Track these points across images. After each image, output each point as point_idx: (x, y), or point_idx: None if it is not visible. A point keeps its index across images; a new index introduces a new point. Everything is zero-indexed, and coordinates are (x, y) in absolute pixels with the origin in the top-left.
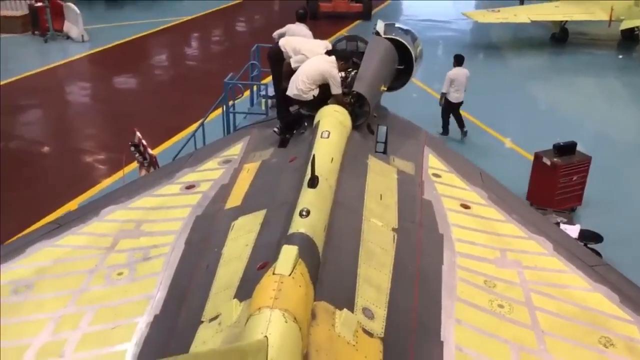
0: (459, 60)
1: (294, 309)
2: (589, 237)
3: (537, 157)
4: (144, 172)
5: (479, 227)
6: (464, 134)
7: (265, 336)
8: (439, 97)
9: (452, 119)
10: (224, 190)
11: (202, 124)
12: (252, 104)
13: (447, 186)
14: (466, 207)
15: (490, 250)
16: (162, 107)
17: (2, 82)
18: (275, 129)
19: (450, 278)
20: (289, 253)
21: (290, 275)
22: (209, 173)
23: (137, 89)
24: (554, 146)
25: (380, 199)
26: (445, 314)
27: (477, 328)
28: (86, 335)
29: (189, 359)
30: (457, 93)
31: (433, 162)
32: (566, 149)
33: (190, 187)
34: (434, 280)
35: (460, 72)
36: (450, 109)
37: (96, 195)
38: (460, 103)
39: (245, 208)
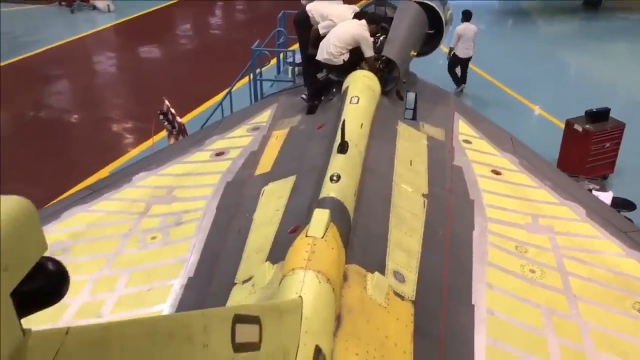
0: (467, 16)
1: (327, 270)
2: (621, 204)
3: (569, 124)
4: (172, 141)
5: (510, 193)
6: (461, 90)
7: (300, 296)
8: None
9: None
10: (254, 157)
11: (229, 92)
12: (278, 71)
13: (477, 152)
14: (497, 173)
15: (521, 216)
16: (188, 76)
17: (31, 53)
18: (303, 96)
19: (481, 243)
20: (321, 216)
21: (322, 237)
22: (238, 140)
23: (163, 59)
24: (586, 113)
25: (410, 164)
26: (476, 279)
27: (508, 292)
28: (122, 296)
29: (228, 311)
30: (466, 49)
31: (463, 128)
32: (599, 116)
33: (219, 154)
34: (465, 245)
35: (468, 28)
36: (457, 63)
37: (126, 164)
38: (469, 58)
39: (275, 174)
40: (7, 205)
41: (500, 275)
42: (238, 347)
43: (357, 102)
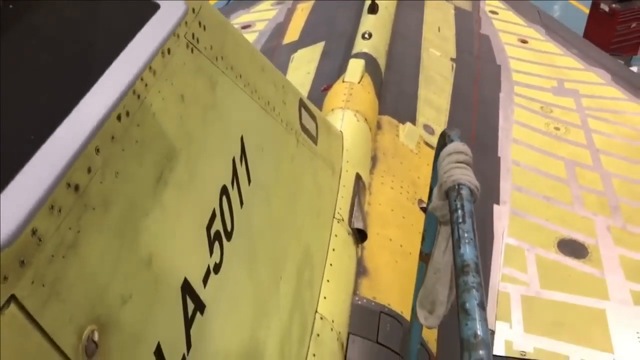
0: None
1: (364, 111)
2: None
3: (595, 3)
4: None
5: (536, 59)
6: None
7: (340, 130)
8: None
9: None
10: (280, 28)
11: None
12: None
13: (504, 22)
14: (524, 41)
15: (547, 80)
16: None
17: None
18: None
19: (507, 103)
20: (356, 64)
21: (359, 83)
22: (263, 13)
23: None
24: None
25: (438, 31)
26: (502, 134)
27: (533, 146)
28: None
29: (297, 92)
30: None
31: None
32: None
33: (246, 27)
34: (492, 105)
35: None
36: None
37: None
38: None
39: (304, 41)
40: None
41: (525, 131)
42: (302, 127)
43: None
